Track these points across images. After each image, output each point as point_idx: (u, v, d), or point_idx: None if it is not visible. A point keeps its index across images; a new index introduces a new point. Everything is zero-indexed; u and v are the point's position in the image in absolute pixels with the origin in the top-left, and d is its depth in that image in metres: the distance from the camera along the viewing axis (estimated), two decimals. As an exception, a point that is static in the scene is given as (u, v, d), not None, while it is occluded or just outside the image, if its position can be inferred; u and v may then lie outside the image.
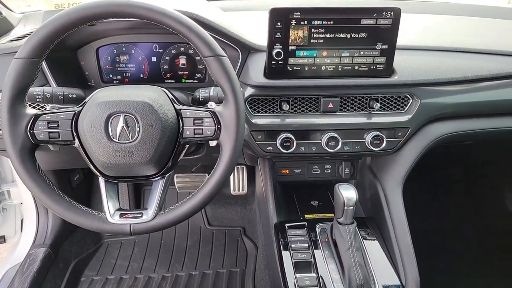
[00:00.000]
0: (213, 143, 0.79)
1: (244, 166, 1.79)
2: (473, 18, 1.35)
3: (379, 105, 0.96)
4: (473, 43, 1.09)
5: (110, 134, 0.71)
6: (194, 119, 0.75)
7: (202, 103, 0.87)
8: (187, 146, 0.81)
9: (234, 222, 1.88)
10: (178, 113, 0.75)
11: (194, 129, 0.75)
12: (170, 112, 0.74)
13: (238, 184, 1.85)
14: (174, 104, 0.76)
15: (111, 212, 0.75)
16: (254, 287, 1.44)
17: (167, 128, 0.72)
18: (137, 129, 0.71)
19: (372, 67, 0.95)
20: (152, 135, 0.71)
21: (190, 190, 1.87)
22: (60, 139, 0.73)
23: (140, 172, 0.75)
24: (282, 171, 1.17)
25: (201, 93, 0.86)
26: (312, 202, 1.22)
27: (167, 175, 0.79)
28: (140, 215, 0.75)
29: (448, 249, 1.72)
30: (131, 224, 0.74)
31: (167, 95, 0.77)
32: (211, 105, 0.82)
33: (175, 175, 1.70)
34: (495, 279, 1.59)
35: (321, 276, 0.88)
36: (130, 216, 0.75)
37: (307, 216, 1.12)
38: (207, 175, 1.87)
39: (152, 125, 0.71)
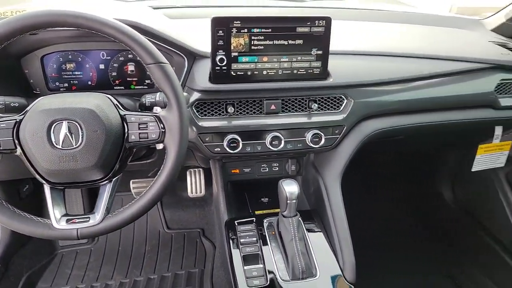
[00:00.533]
0: (159, 146, 0.83)
1: (201, 169, 1.83)
2: (404, 25, 1.48)
3: (317, 105, 1.04)
4: (400, 48, 1.20)
5: (53, 141, 0.73)
6: (139, 124, 0.78)
7: (149, 108, 0.90)
8: (134, 150, 0.84)
9: (193, 224, 1.91)
10: (123, 118, 0.79)
11: (139, 133, 0.78)
12: (114, 117, 0.77)
13: (195, 186, 1.89)
14: (119, 110, 0.79)
15: (57, 218, 0.76)
16: (212, 285, 1.48)
17: (112, 133, 0.75)
18: (81, 135, 0.73)
19: (309, 70, 1.02)
20: (96, 140, 0.74)
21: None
22: (1, 147, 0.74)
23: (86, 177, 0.78)
24: (232, 171, 1.22)
25: (147, 98, 0.90)
26: (262, 199, 1.28)
27: (114, 179, 0.82)
28: (87, 219, 0.77)
29: (383, 235, 1.87)
30: (78, 228, 0.76)
31: (112, 101, 0.80)
32: (157, 110, 0.85)
33: (131, 180, 1.70)
34: (425, 262, 1.75)
35: (267, 267, 0.94)
36: (77, 221, 0.77)
37: (257, 212, 1.18)
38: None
39: (95, 131, 0.74)
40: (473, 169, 1.35)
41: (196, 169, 1.89)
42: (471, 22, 1.50)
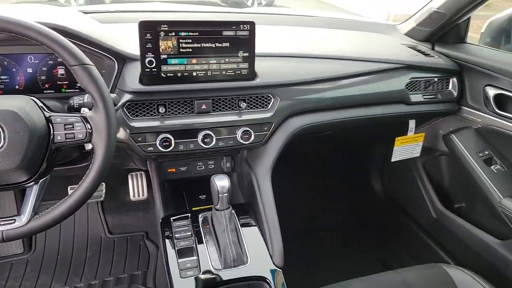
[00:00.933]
0: (88, 147, 0.85)
1: (142, 172, 1.83)
2: (329, 29, 1.60)
3: (245, 104, 1.11)
4: (324, 50, 1.30)
5: None
6: (64, 125, 0.80)
7: (77, 110, 0.91)
8: (62, 150, 0.85)
9: (136, 228, 1.90)
10: (48, 119, 0.80)
11: (66, 134, 0.80)
12: (38, 119, 0.78)
13: (137, 190, 1.88)
14: (44, 112, 0.80)
15: None
16: (155, 285, 1.50)
17: (35, 134, 0.76)
18: (3, 137, 0.74)
19: (237, 71, 1.09)
20: (19, 142, 0.74)
21: (89, 200, 1.84)
22: None
23: (10, 179, 0.77)
24: (169, 170, 1.25)
25: (75, 100, 0.91)
26: (200, 196, 1.33)
27: (41, 180, 0.82)
28: (13, 221, 0.77)
29: (316, 225, 2.01)
30: (3, 231, 0.76)
31: (36, 103, 0.81)
32: (84, 111, 0.87)
33: (69, 186, 1.67)
34: (357, 248, 1.90)
35: (201, 258, 0.99)
36: (2, 223, 0.77)
37: (194, 209, 1.22)
38: (103, 183, 1.88)
39: (18, 132, 0.74)
40: (392, 160, 1.49)
41: (138, 172, 1.89)
42: (387, 27, 1.65)
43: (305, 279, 1.24)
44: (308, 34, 1.53)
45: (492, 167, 1.33)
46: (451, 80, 1.40)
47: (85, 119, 0.81)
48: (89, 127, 0.81)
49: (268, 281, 0.96)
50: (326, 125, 1.26)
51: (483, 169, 1.31)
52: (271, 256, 1.02)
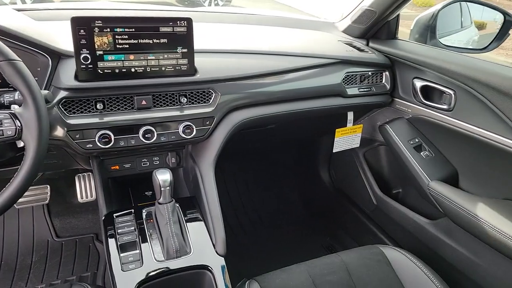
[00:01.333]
0: (20, 144, 0.84)
1: (90, 173, 1.80)
2: (270, 27, 1.66)
3: (186, 99, 1.13)
4: (264, 46, 1.35)
5: None
6: None
7: (8, 107, 0.90)
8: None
9: (85, 230, 1.87)
10: None
11: None
12: None
13: (85, 191, 1.85)
14: None
15: None
16: (104, 284, 1.48)
17: None
18: None
19: (177, 67, 1.11)
20: None
21: (31, 204, 1.79)
22: None
23: None
24: (112, 168, 1.25)
25: (5, 97, 0.89)
26: (146, 193, 1.33)
27: None
28: None
29: (259, 215, 2.08)
30: None
31: None
32: (14, 108, 0.86)
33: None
34: (307, 237, 1.98)
35: (144, 251, 1.00)
36: None
37: (140, 205, 1.23)
38: (48, 186, 1.83)
39: None
40: (334, 151, 1.57)
41: (85, 174, 1.86)
42: (327, 25, 1.73)
43: (251, 268, 1.29)
44: (251, 32, 1.57)
45: (421, 153, 1.44)
46: (384, 73, 1.50)
47: (14, 116, 0.80)
48: (19, 124, 0.80)
49: (210, 268, 0.99)
50: (268, 118, 1.30)
51: (414, 155, 1.42)
52: (214, 245, 1.05)
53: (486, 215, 1.16)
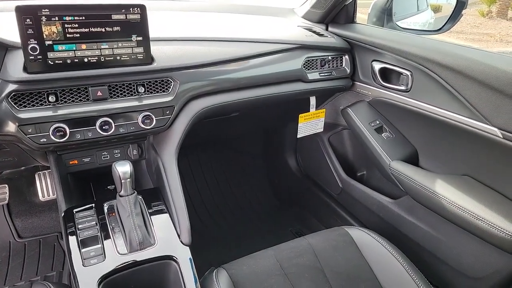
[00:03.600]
0: None
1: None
2: (230, 14, 1.64)
3: (144, 89, 1.10)
4: (223, 33, 1.34)
5: None
6: None
7: None
8: None
9: (49, 229, 1.81)
10: None
11: None
12: None
13: (46, 189, 1.79)
14: None
15: None
16: (70, 283, 1.44)
17: None
18: None
19: (132, 56, 1.08)
20: None
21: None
22: None
23: None
24: (71, 162, 1.21)
25: None
26: (109, 187, 1.30)
27: None
28: None
29: (227, 203, 2.09)
30: None
31: None
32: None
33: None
34: (276, 223, 2.01)
35: (106, 245, 0.98)
36: None
37: (101, 199, 1.20)
38: (7, 185, 1.75)
39: None
40: (298, 136, 1.59)
41: (46, 171, 1.79)
42: (286, 10, 1.74)
43: (220, 256, 1.29)
44: (210, 19, 1.55)
45: (382, 134, 1.48)
46: (343, 57, 1.52)
47: None
48: None
49: (175, 258, 0.98)
50: (230, 105, 1.30)
51: (375, 137, 1.46)
52: (178, 235, 1.04)
53: (445, 191, 1.21)
